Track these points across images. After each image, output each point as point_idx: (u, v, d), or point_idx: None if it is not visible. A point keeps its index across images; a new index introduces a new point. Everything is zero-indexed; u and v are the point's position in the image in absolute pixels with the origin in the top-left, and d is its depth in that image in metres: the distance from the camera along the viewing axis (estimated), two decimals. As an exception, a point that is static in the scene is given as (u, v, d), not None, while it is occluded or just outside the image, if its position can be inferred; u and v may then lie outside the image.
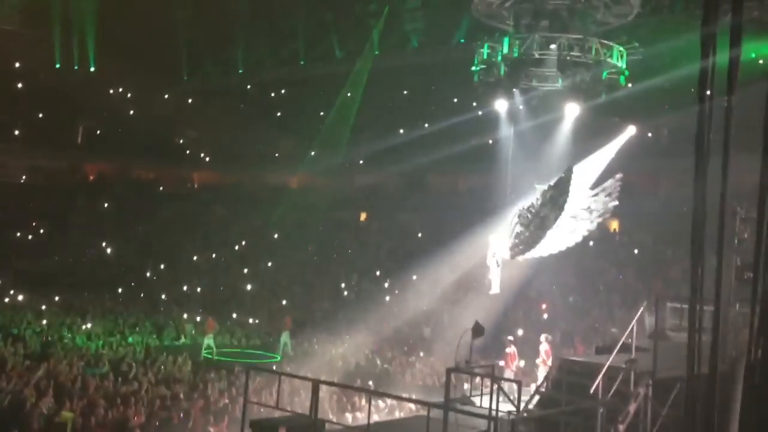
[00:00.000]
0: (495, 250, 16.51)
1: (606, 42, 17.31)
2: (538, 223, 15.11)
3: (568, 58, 16.64)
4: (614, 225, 31.84)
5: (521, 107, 20.29)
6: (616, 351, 9.21)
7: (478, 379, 12.30)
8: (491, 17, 18.43)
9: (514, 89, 18.49)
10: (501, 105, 19.77)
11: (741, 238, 9.20)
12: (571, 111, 19.63)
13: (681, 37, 21.85)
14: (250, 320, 27.85)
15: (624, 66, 17.72)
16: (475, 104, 27.66)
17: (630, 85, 23.61)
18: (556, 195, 14.90)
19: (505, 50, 17.29)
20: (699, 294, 6.36)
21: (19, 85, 37.53)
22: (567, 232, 15.36)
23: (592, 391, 8.69)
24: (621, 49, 17.53)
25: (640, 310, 9.89)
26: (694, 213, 6.60)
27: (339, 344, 24.39)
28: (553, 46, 16.72)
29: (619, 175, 15.34)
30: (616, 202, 15.53)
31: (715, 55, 6.78)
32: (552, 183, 15.07)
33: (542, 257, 16.45)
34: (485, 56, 17.73)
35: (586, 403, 8.81)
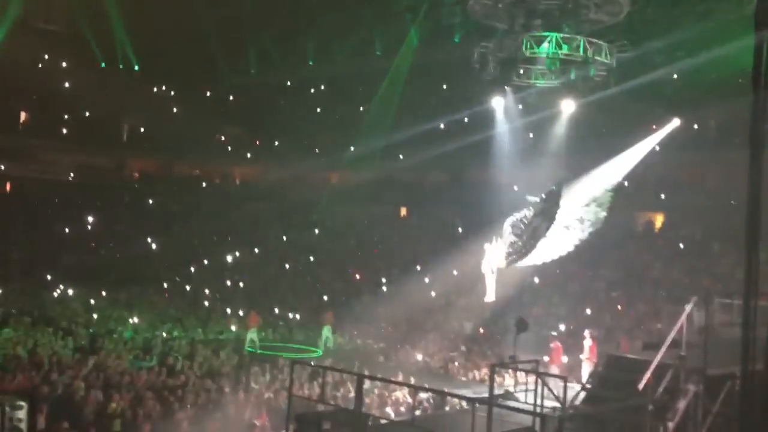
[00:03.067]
0: (490, 258, 17.17)
1: (595, 40, 17.81)
2: (530, 233, 15.86)
3: (557, 56, 17.35)
4: (659, 219, 31.30)
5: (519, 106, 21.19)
6: (665, 347, 9.04)
7: (521, 375, 12.23)
8: (487, 17, 18.88)
9: (506, 87, 19.72)
10: (498, 102, 21.16)
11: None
12: (567, 107, 20.60)
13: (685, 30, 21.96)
14: (291, 315, 28.07)
15: (613, 64, 18.34)
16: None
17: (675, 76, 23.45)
18: (547, 207, 15.60)
19: (499, 49, 18.17)
20: (754, 288, 6.22)
21: (66, 85, 38.40)
22: (560, 241, 16.17)
23: (640, 387, 8.55)
24: (609, 46, 18.15)
25: (689, 306, 9.68)
26: (748, 205, 6.45)
27: (379, 338, 24.50)
28: (545, 45, 17.32)
29: (559, 181, 16.11)
30: (606, 213, 16.33)
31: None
32: (544, 195, 15.75)
33: (536, 265, 17.37)
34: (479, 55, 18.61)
35: (635, 400, 8.67)
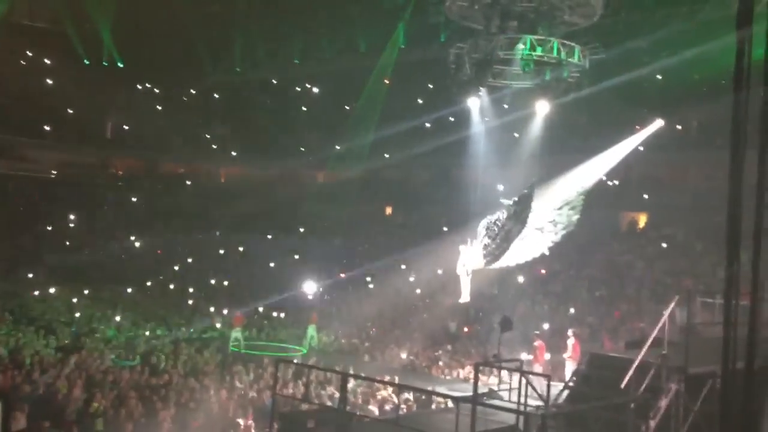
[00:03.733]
0: (465, 260, 17.39)
1: (568, 42, 18.16)
2: (503, 236, 16.19)
3: (531, 58, 17.62)
4: (642, 219, 31.54)
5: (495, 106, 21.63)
6: (647, 346, 9.11)
7: (504, 374, 12.29)
8: (464, 18, 19.18)
9: (480, 87, 19.90)
10: (473, 102, 21.47)
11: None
12: (542, 108, 20.89)
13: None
14: (275, 314, 28.00)
15: (586, 65, 18.73)
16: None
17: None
18: (519, 210, 15.90)
19: (474, 50, 18.45)
20: (734, 288, 6.27)
21: (49, 82, 38.03)
22: (533, 243, 16.48)
23: (623, 386, 8.62)
24: (582, 48, 18.50)
25: (671, 305, 9.77)
26: (729, 205, 6.50)
27: (364, 338, 24.49)
28: (521, 46, 17.60)
29: (530, 184, 16.35)
30: (578, 215, 16.58)
31: (750, 46, 6.70)
32: (516, 198, 16.06)
33: (509, 267, 17.60)
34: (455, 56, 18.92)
35: (617, 398, 8.74)
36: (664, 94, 27.36)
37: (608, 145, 21.18)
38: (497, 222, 16.37)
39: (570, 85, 19.00)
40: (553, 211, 16.47)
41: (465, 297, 17.86)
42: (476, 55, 18.38)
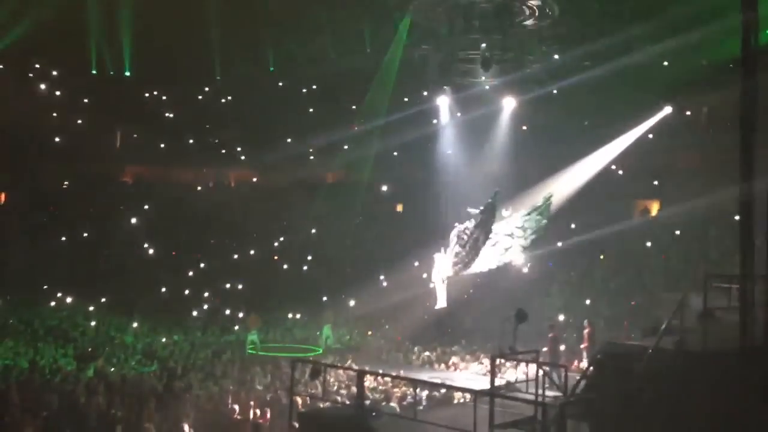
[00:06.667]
0: (439, 267, 18.19)
1: (527, 42, 19.07)
2: (472, 244, 17.14)
3: (493, 57, 18.21)
4: (655, 206, 31.38)
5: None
6: (662, 332, 9.08)
7: (522, 366, 12.29)
8: (428, 19, 19.82)
9: (445, 87, 21.09)
10: (442, 101, 22.56)
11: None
12: (509, 104, 22.05)
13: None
14: (291, 315, 28.07)
15: (548, 63, 19.98)
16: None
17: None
18: (485, 218, 16.90)
19: (438, 50, 19.33)
20: (750, 272, 6.27)
21: (57, 93, 38.24)
22: (503, 249, 17.54)
23: (639, 373, 8.59)
24: (543, 48, 19.61)
25: (686, 291, 9.74)
26: (741, 191, 6.49)
27: (379, 335, 24.59)
28: (483, 46, 18.16)
29: (494, 193, 17.17)
30: (546, 220, 17.55)
31: (757, 31, 6.67)
32: (482, 207, 16.95)
33: (482, 272, 18.46)
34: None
35: (633, 386, 8.71)
36: (671, 81, 27.23)
37: (615, 135, 21.59)
38: (466, 231, 17.26)
39: (535, 82, 20.14)
40: (521, 218, 17.45)
41: (441, 303, 18.51)
42: (441, 54, 18.89)
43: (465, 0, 17.68)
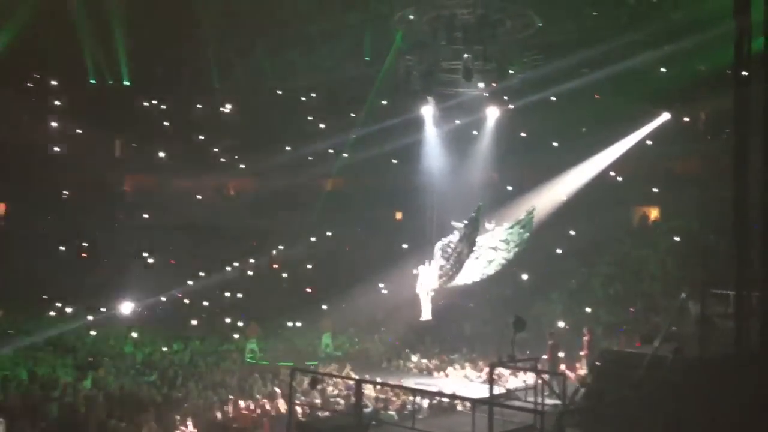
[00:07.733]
0: (423, 280, 18.49)
1: (508, 52, 19.28)
2: (456, 257, 17.41)
3: (475, 67, 18.47)
4: (654, 213, 31.39)
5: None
6: (660, 340, 9.09)
7: (521, 374, 12.30)
8: (412, 30, 20.19)
9: (428, 97, 21.16)
10: (426, 110, 22.64)
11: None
12: (492, 113, 22.29)
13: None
14: (290, 324, 28.03)
15: (528, 74, 20.17)
16: None
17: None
18: (468, 232, 17.13)
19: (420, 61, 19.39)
20: (746, 278, 6.27)
21: (56, 103, 38.33)
22: (487, 261, 17.78)
23: (637, 381, 8.60)
24: (523, 59, 19.86)
25: (684, 298, 9.75)
26: (735, 197, 6.50)
27: (378, 342, 24.55)
28: (465, 56, 18.40)
29: (477, 207, 17.37)
30: (529, 234, 17.82)
31: (750, 37, 6.70)
32: (466, 221, 17.18)
33: (467, 284, 18.70)
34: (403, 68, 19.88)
35: (631, 393, 8.71)
36: (669, 88, 27.31)
37: (613, 141, 21.79)
38: (450, 244, 17.55)
39: (516, 92, 20.68)
40: (504, 231, 17.74)
41: (426, 315, 18.71)
42: (423, 65, 19.21)
43: (447, 11, 17.90)
